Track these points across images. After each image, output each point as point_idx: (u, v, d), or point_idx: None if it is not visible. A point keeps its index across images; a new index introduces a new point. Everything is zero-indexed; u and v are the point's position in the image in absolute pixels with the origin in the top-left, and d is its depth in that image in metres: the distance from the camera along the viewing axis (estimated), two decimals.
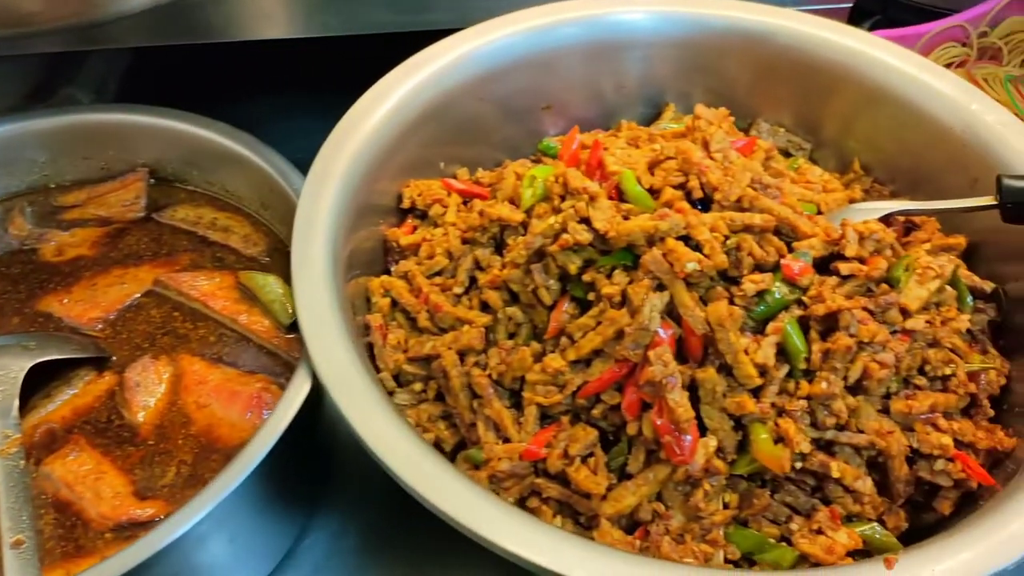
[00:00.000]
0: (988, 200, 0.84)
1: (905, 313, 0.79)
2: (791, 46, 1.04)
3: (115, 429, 0.81)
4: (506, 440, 0.78)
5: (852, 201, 0.98)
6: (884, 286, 0.79)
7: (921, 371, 0.81)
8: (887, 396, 0.79)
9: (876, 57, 1.01)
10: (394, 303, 0.87)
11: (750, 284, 0.75)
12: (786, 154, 1.08)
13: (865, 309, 0.78)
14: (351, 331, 0.77)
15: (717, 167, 0.83)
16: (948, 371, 0.80)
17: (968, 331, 0.87)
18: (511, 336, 0.82)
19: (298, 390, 0.72)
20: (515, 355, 0.79)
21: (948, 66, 1.28)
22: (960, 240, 0.91)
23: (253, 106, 1.20)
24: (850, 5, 1.27)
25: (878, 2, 1.46)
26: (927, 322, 0.80)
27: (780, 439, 0.73)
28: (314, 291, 0.76)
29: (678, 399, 0.71)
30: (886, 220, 0.89)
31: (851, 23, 1.29)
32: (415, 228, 0.95)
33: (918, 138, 0.98)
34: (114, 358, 0.86)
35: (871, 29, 1.39)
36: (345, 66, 1.07)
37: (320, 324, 0.74)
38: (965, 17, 1.29)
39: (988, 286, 0.89)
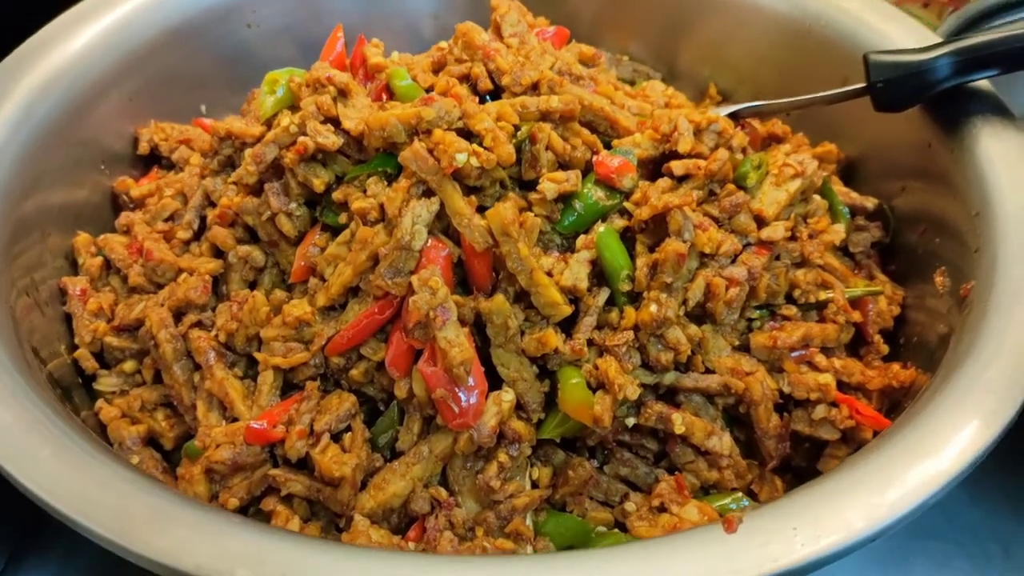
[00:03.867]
0: (856, 86, 0.67)
1: (760, 221, 0.61)
2: None
3: None
4: (235, 421, 0.56)
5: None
6: (730, 187, 0.61)
7: (791, 299, 0.62)
8: (751, 331, 0.60)
9: None
10: (109, 265, 0.66)
11: (550, 184, 0.56)
12: (632, 85, 0.90)
13: (708, 216, 0.59)
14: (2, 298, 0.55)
15: (509, 53, 0.64)
16: (823, 296, 0.62)
17: (849, 254, 0.70)
18: (251, 286, 0.61)
19: None
20: (247, 306, 0.57)
21: None
22: (831, 148, 0.74)
23: None
24: None
25: None
26: (790, 233, 0.62)
27: (601, 386, 0.53)
28: None
29: (451, 337, 0.51)
30: (737, 124, 0.71)
31: None
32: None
33: (776, 46, 0.83)
34: None
35: None
36: None
37: None
38: None
39: (870, 202, 0.72)
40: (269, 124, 0.64)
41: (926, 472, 0.44)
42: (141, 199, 0.70)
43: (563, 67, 0.65)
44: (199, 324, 0.59)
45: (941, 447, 0.44)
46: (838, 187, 0.72)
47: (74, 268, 0.66)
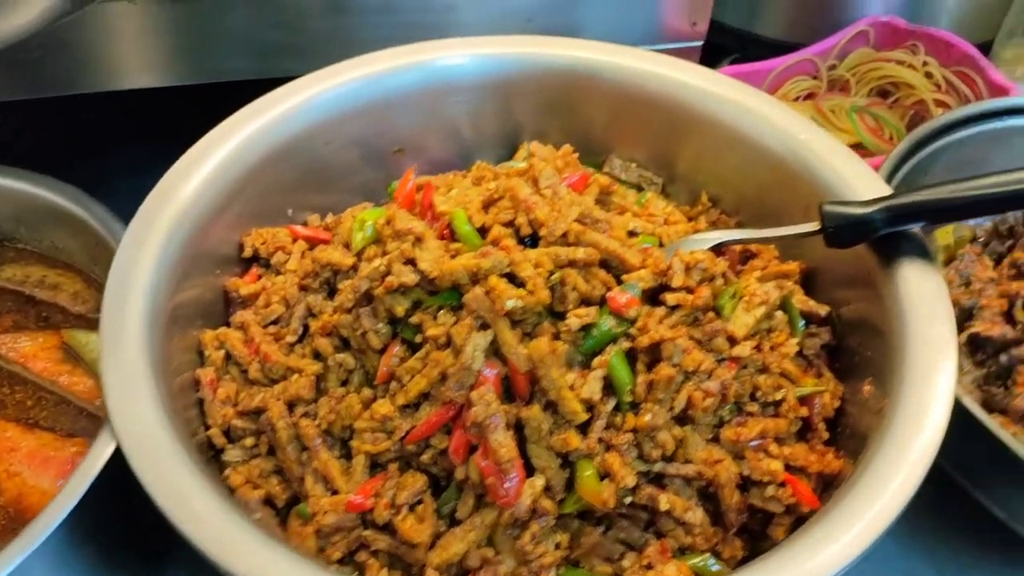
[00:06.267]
0: (812, 226, 0.86)
1: (732, 340, 0.80)
2: (634, 84, 1.06)
3: None
4: (335, 493, 0.75)
5: (696, 232, 0.99)
6: (711, 315, 0.80)
7: (754, 398, 0.81)
8: (721, 424, 0.80)
9: (712, 91, 1.03)
10: (229, 356, 0.85)
11: (575, 319, 0.75)
12: (639, 188, 1.09)
13: (692, 338, 0.78)
14: (166, 387, 0.74)
15: (545, 203, 0.83)
16: (779, 396, 0.81)
17: (804, 355, 0.89)
18: (343, 384, 0.81)
19: (101, 451, 0.69)
20: (344, 403, 0.77)
21: (799, 99, 1.33)
22: (793, 267, 0.93)
23: (105, 163, 1.17)
24: (701, 43, 1.30)
25: (736, 40, 1.51)
26: (755, 348, 0.81)
27: (608, 475, 0.73)
28: (122, 345, 0.73)
29: (501, 439, 0.70)
30: (720, 249, 0.90)
31: (706, 62, 1.33)
32: (259, 277, 0.93)
33: (756, 169, 1.00)
34: None
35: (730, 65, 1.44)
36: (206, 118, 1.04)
37: (124, 379, 0.71)
38: (813, 51, 1.34)
39: (823, 310, 0.91)
40: (360, 255, 0.83)
41: (834, 556, 0.63)
42: (249, 297, 0.89)
43: (586, 212, 0.83)
44: (306, 414, 0.78)
45: (846, 537, 0.64)
46: (798, 296, 0.91)
47: (199, 359, 0.85)
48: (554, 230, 0.79)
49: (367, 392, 0.78)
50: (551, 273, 0.77)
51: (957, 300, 1.02)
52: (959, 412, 0.75)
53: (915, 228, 0.86)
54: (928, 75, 1.30)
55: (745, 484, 0.78)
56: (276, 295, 0.87)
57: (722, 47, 1.52)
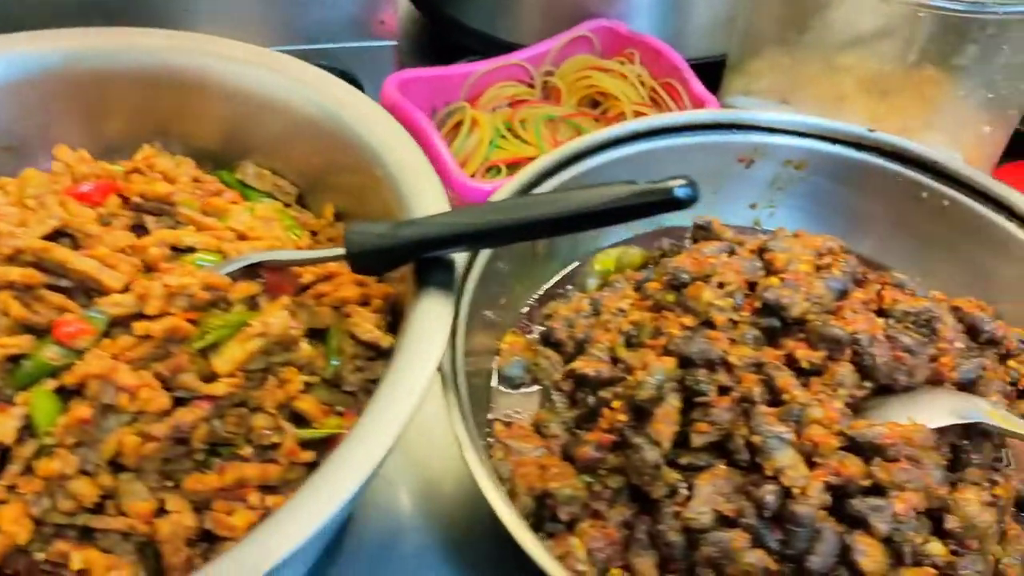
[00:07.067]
0: (339, 250, 0.77)
1: (213, 377, 0.72)
2: (257, 89, 0.97)
3: None
4: None
5: (297, 248, 0.91)
6: (183, 348, 0.71)
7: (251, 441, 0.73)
8: (202, 469, 0.71)
9: (337, 99, 0.94)
10: None
11: None
12: (273, 198, 1.01)
13: (158, 374, 0.70)
14: None
15: (21, 215, 0.74)
16: (277, 439, 0.73)
17: (350, 392, 0.81)
18: None
19: None
20: None
21: (503, 106, 1.24)
22: (377, 290, 0.84)
23: None
24: (395, 43, 1.22)
25: (480, 42, 1.42)
26: (237, 388, 0.72)
27: None
28: None
29: None
30: (255, 270, 0.81)
31: (445, 59, 1.26)
32: None
33: (367, 187, 0.92)
34: None
35: None
36: None
37: None
38: (524, 56, 1.25)
39: (385, 341, 0.82)
40: None
41: None
42: None
43: (73, 226, 0.75)
44: None
45: None
46: (364, 324, 0.82)
47: None
48: (2, 248, 0.71)
49: None
50: None
51: (573, 334, 0.93)
52: None
53: (452, 253, 0.78)
54: (642, 85, 1.21)
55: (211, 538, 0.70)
56: None
57: (467, 48, 1.44)
